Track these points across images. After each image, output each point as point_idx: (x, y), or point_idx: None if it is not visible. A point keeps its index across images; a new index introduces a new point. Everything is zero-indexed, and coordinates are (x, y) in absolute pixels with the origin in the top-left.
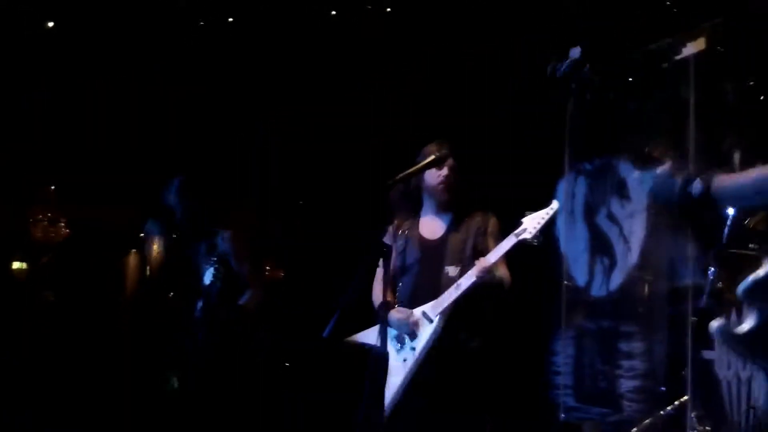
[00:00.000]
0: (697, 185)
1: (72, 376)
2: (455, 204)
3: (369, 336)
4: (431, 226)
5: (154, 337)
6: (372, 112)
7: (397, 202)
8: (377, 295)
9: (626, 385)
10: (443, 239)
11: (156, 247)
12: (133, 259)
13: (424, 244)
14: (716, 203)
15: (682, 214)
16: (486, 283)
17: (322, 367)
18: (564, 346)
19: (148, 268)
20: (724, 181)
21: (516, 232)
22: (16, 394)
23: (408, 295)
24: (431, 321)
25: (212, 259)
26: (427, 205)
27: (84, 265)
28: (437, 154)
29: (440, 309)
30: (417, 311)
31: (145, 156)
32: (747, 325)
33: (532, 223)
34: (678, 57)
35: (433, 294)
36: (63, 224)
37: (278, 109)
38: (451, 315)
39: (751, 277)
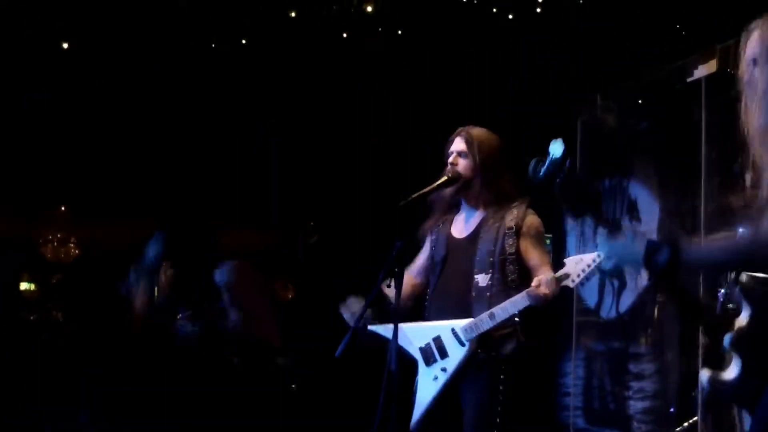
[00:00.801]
0: (664, 254)
1: (78, 394)
2: (491, 199)
3: (400, 334)
4: (463, 223)
5: (159, 359)
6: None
7: (435, 198)
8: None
9: (636, 406)
10: (471, 239)
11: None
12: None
13: (452, 242)
14: (685, 270)
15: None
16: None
17: (334, 388)
18: (574, 367)
19: (156, 290)
20: (691, 251)
21: (557, 276)
22: (24, 410)
23: (434, 298)
24: (463, 345)
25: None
26: (463, 200)
27: (93, 285)
28: (449, 175)
29: (473, 335)
30: (444, 327)
31: (155, 177)
32: (731, 373)
33: (575, 269)
34: (690, 79)
35: (461, 305)
36: (73, 244)
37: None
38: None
39: (735, 327)
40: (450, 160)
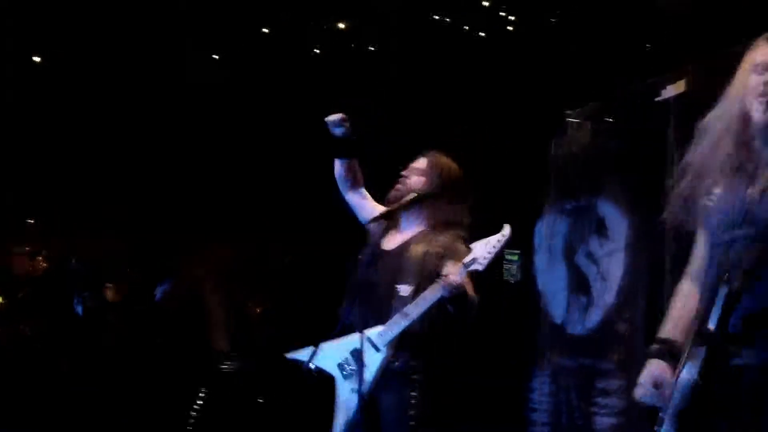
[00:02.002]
0: None
1: (47, 408)
2: (430, 222)
3: (322, 359)
4: (396, 235)
5: (131, 371)
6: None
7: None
8: None
9: (603, 422)
10: (399, 251)
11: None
12: (110, 292)
13: (379, 252)
14: None
15: None
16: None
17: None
18: (541, 383)
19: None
20: None
21: (465, 261)
22: None
23: (356, 308)
24: (378, 350)
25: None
26: (403, 215)
27: (62, 298)
28: (417, 193)
29: (388, 339)
30: (360, 338)
31: (124, 190)
32: None
33: (482, 252)
34: (659, 99)
35: (382, 314)
36: (42, 258)
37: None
38: (402, 341)
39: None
40: (404, 172)
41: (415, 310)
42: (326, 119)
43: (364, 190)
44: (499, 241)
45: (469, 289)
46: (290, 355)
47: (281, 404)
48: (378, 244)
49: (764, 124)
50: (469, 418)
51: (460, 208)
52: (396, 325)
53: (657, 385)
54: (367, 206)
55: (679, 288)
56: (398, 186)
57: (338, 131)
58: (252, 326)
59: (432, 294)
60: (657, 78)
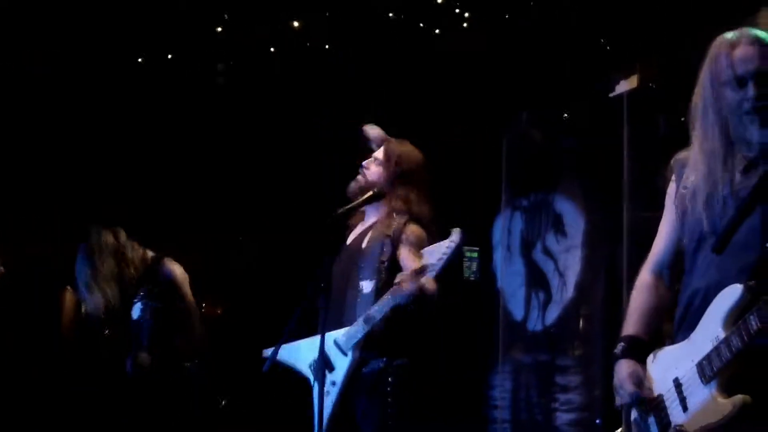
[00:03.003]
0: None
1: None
2: (389, 210)
3: (295, 358)
4: (359, 229)
5: (89, 374)
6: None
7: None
8: None
9: (563, 417)
10: (358, 245)
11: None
12: (68, 296)
13: (345, 249)
14: None
15: None
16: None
17: (263, 403)
18: (501, 379)
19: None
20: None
21: (417, 269)
22: None
23: (328, 307)
24: (345, 354)
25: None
26: (367, 208)
27: (19, 302)
28: (375, 189)
29: (353, 342)
30: (328, 339)
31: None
32: None
33: (433, 258)
34: (612, 94)
35: (346, 313)
36: None
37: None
38: (368, 342)
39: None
40: (364, 163)
41: (376, 315)
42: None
43: None
44: (448, 247)
45: (429, 284)
46: (265, 352)
47: (246, 405)
48: (344, 240)
49: (756, 140)
50: (431, 416)
51: (418, 195)
52: (359, 328)
53: (636, 385)
54: None
55: (640, 281)
56: (358, 177)
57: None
58: (212, 328)
59: (388, 300)
60: (610, 74)
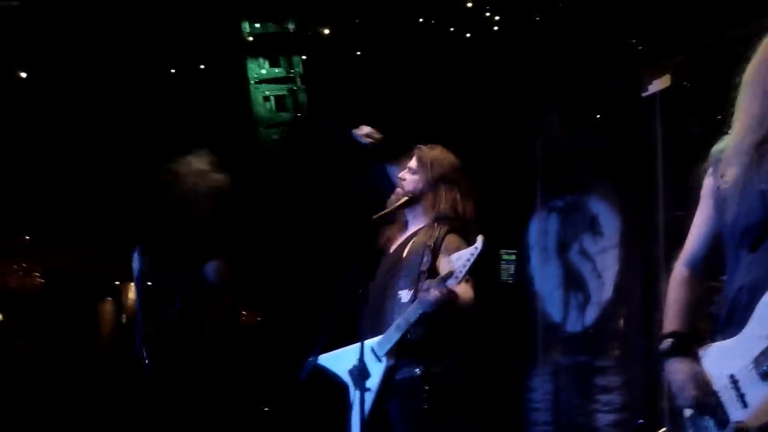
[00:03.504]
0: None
1: (47, 424)
2: (430, 218)
3: (337, 363)
4: (401, 237)
5: (128, 384)
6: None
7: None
8: None
9: (604, 419)
10: (398, 254)
11: (132, 295)
12: (108, 306)
13: (385, 258)
14: None
15: None
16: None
17: (300, 408)
18: (541, 382)
19: (123, 315)
20: None
21: (442, 276)
22: None
23: (366, 316)
24: (380, 360)
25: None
26: (408, 217)
27: (59, 313)
28: (410, 195)
29: (386, 349)
30: (366, 347)
31: (119, 204)
32: None
33: (457, 266)
34: (645, 94)
35: (384, 321)
36: (37, 274)
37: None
38: (405, 349)
39: None
40: (399, 174)
41: (404, 323)
42: (353, 132)
43: None
44: (472, 254)
45: (465, 292)
46: (319, 360)
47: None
48: (386, 248)
49: None
50: (470, 419)
51: (458, 199)
52: (391, 335)
53: (699, 387)
54: None
55: (676, 275)
56: (397, 189)
57: (365, 142)
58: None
59: (415, 308)
60: (642, 74)
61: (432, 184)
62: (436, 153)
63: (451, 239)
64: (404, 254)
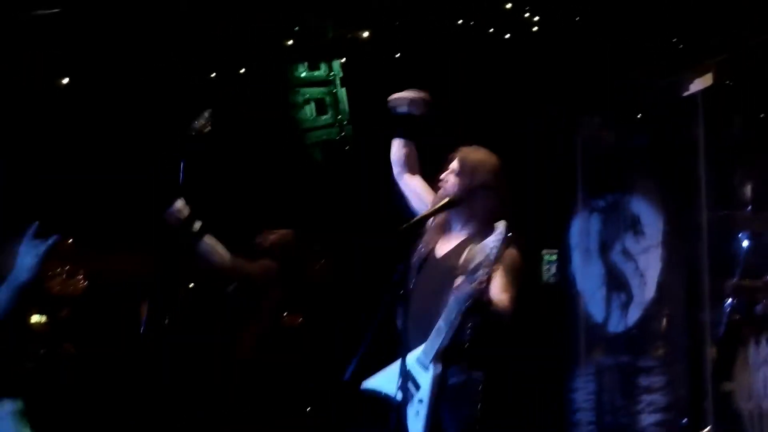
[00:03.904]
0: None
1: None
2: (477, 222)
3: (385, 383)
4: (447, 240)
5: (173, 385)
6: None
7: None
8: None
9: (648, 419)
10: (448, 258)
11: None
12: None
13: (430, 262)
14: None
15: None
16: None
17: (343, 412)
18: (584, 382)
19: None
20: None
21: (472, 269)
22: None
23: (409, 321)
24: (427, 369)
25: None
26: (452, 221)
27: (103, 316)
28: (451, 197)
29: (431, 356)
30: (411, 359)
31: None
32: None
33: (481, 256)
34: (686, 93)
35: (429, 327)
36: (81, 277)
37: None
38: (449, 355)
39: None
40: (441, 176)
41: (444, 325)
42: (393, 96)
43: (420, 178)
44: (496, 239)
45: (501, 293)
46: (366, 386)
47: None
48: (429, 251)
49: None
50: (513, 420)
51: (501, 201)
52: (433, 341)
53: None
54: (423, 195)
55: None
56: (440, 191)
57: (404, 110)
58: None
59: (451, 306)
60: (684, 73)
61: (473, 190)
62: (480, 156)
63: (510, 251)
64: (460, 261)
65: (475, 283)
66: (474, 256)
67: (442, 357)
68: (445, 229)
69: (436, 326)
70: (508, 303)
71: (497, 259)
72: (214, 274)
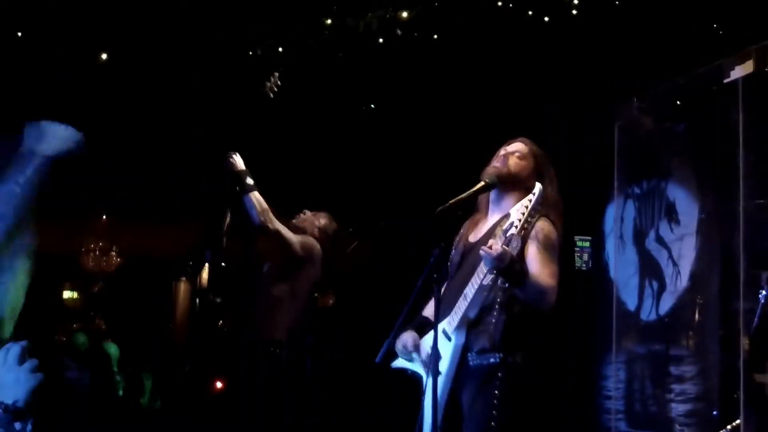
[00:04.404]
0: None
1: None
2: (516, 197)
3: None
4: (481, 225)
5: (204, 362)
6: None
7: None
8: (424, 311)
9: (678, 409)
10: (482, 240)
11: (206, 275)
12: (183, 286)
13: (465, 247)
14: None
15: None
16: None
17: (375, 393)
18: (615, 370)
19: (197, 296)
20: None
21: (504, 228)
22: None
23: (443, 303)
24: (450, 339)
25: None
26: (491, 202)
27: (135, 292)
28: (487, 180)
29: (455, 324)
30: (439, 330)
31: (195, 185)
32: None
33: (516, 215)
34: (727, 80)
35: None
36: (114, 253)
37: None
38: (484, 335)
39: None
40: (502, 153)
41: (471, 289)
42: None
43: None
44: (530, 200)
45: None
46: (394, 364)
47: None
48: (465, 236)
49: None
50: (543, 405)
51: (553, 190)
52: (459, 308)
53: None
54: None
55: None
56: (496, 164)
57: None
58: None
59: (478, 270)
60: (725, 59)
61: (535, 175)
62: (536, 146)
63: (542, 225)
64: (487, 239)
65: (503, 244)
66: (506, 222)
67: (467, 327)
68: (480, 220)
69: (463, 293)
70: (549, 278)
71: (528, 217)
72: (256, 232)
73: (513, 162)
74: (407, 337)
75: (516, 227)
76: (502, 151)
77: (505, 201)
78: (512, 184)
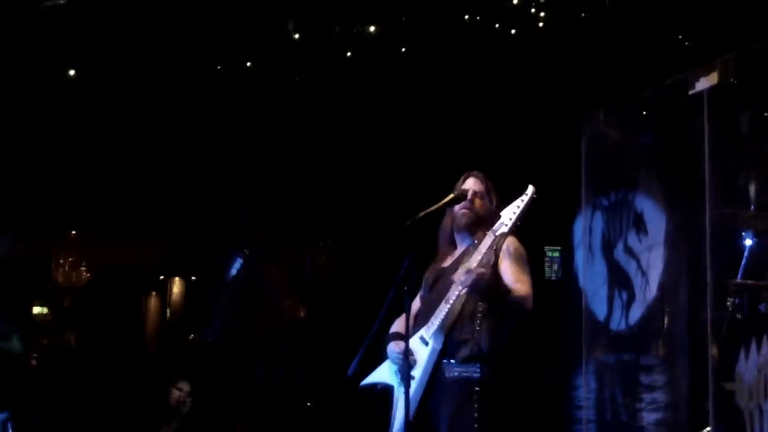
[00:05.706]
0: None
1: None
2: (478, 230)
3: (381, 374)
4: (453, 255)
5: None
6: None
7: (440, 236)
8: (392, 328)
9: (648, 417)
10: (456, 264)
11: (176, 289)
12: (153, 300)
13: (440, 271)
14: None
15: None
16: (479, 289)
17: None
18: (585, 380)
19: (168, 310)
20: None
21: (493, 228)
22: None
23: (415, 322)
24: (426, 344)
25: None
26: (457, 237)
27: (105, 307)
28: (455, 192)
29: (433, 329)
30: (413, 338)
31: (166, 199)
32: None
33: (507, 215)
34: (692, 91)
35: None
36: (84, 268)
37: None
38: (450, 334)
39: None
40: (469, 197)
41: (452, 294)
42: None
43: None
44: (522, 200)
45: (516, 282)
46: (363, 382)
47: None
48: (438, 267)
49: None
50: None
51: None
52: (439, 312)
53: None
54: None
55: None
56: (466, 212)
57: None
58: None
59: (451, 289)
60: (690, 71)
61: (494, 207)
62: (486, 178)
63: (511, 240)
64: (458, 263)
65: (493, 242)
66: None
67: (446, 332)
68: (451, 247)
69: (446, 297)
70: (527, 288)
71: (520, 216)
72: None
73: (478, 204)
74: (395, 344)
75: (507, 225)
76: (469, 194)
77: (464, 236)
78: (481, 225)
